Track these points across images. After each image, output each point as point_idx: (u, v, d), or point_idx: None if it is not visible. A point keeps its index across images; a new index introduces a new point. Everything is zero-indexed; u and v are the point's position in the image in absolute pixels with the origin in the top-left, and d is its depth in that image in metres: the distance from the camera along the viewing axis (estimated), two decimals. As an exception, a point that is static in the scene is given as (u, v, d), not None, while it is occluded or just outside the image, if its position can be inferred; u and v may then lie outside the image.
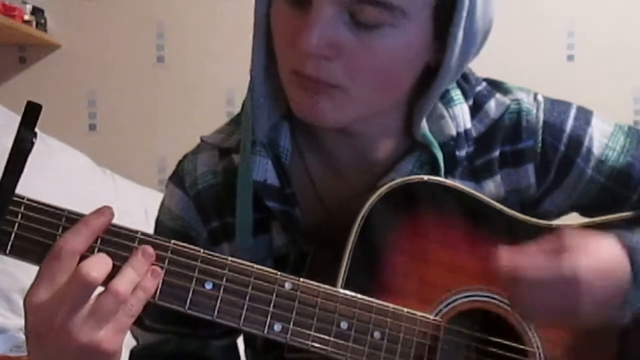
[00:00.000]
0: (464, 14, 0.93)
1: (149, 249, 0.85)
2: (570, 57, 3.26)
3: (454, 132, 1.03)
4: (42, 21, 3.15)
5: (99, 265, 0.82)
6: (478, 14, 0.95)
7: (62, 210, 0.83)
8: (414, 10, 0.91)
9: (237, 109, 1.13)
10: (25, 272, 2.21)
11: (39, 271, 0.82)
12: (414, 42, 0.94)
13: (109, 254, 0.84)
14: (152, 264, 0.85)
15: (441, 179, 1.00)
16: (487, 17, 0.97)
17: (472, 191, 1.01)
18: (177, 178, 1.11)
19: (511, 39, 3.19)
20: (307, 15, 0.90)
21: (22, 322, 2.06)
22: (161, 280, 0.86)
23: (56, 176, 2.33)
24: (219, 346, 1.15)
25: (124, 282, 0.82)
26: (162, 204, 1.14)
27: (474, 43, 0.97)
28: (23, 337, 1.97)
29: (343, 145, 1.05)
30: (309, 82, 0.93)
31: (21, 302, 2.15)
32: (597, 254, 0.90)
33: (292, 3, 0.93)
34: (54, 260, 0.81)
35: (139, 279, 0.84)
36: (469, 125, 1.04)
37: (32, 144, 0.76)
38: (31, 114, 0.76)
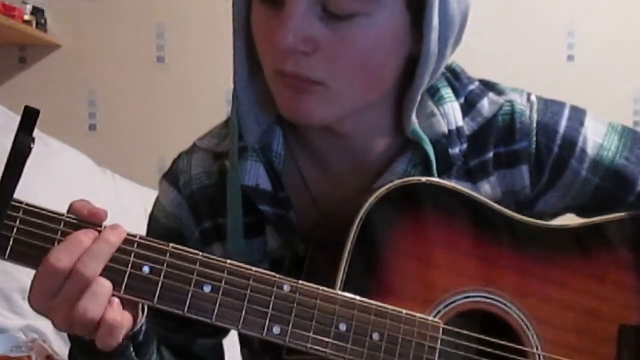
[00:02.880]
0: None
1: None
2: (570, 57, 3.26)
3: (445, 130, 1.03)
4: (42, 21, 3.15)
5: (92, 262, 0.83)
6: None
7: (61, 214, 0.83)
8: None
9: (236, 109, 1.13)
10: (25, 272, 2.20)
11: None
12: (390, 31, 0.94)
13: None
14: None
15: (439, 180, 1.00)
16: (462, 0, 0.97)
17: (470, 192, 1.01)
18: (172, 176, 1.12)
19: (511, 39, 3.19)
20: (281, 14, 0.91)
21: (22, 322, 2.06)
22: (160, 283, 0.86)
23: (56, 176, 2.33)
24: (205, 344, 1.16)
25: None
26: (157, 200, 1.15)
27: (451, 27, 0.97)
28: (23, 337, 1.98)
29: (335, 148, 1.06)
30: (291, 80, 0.94)
31: (21, 302, 2.15)
32: None
33: (267, 5, 0.94)
34: (46, 276, 0.83)
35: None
36: (460, 122, 1.04)
37: (30, 148, 0.77)
38: (29, 119, 0.76)
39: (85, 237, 0.84)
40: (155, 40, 3.26)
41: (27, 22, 3.02)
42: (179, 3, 3.24)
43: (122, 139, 3.24)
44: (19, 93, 3.14)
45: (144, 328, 0.93)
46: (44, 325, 1.99)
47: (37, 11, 3.10)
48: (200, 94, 3.20)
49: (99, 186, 2.67)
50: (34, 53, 3.25)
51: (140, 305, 0.91)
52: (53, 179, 2.27)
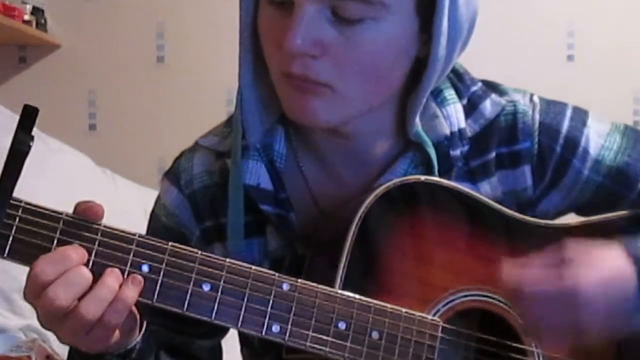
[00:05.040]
0: (447, 2, 0.94)
1: (116, 270, 0.85)
2: (570, 57, 3.26)
3: (447, 132, 1.03)
4: (42, 21, 3.14)
5: (64, 292, 0.82)
6: (460, 2, 0.95)
7: (60, 213, 0.83)
8: (396, 3, 0.92)
9: (237, 109, 1.13)
10: (25, 272, 2.20)
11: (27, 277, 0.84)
12: (399, 35, 0.94)
13: (106, 256, 0.85)
14: (135, 273, 0.86)
15: (438, 179, 1.00)
16: (471, 5, 0.98)
17: (470, 191, 1.02)
18: (173, 175, 1.12)
19: (511, 39, 3.19)
20: (290, 16, 0.91)
21: (22, 322, 2.06)
22: (159, 282, 0.86)
23: (56, 176, 2.33)
24: (204, 346, 1.16)
25: (92, 304, 0.83)
26: (158, 198, 1.15)
27: (460, 32, 0.97)
28: (23, 337, 1.98)
29: (337, 148, 1.06)
30: (298, 82, 0.94)
31: (21, 302, 2.15)
32: (601, 265, 0.90)
33: (275, 5, 0.94)
34: (28, 286, 0.84)
35: (111, 297, 0.84)
36: (463, 124, 1.05)
37: (29, 147, 0.77)
38: (28, 117, 0.76)
39: (74, 253, 0.84)
40: (155, 40, 3.26)
41: (27, 22, 3.02)
42: (179, 3, 3.24)
43: (122, 139, 3.24)
44: (19, 93, 3.13)
45: (138, 347, 0.93)
46: (44, 325, 1.98)
47: (37, 11, 3.10)
48: (200, 94, 3.20)
49: (99, 186, 2.67)
50: (34, 53, 3.25)
51: (137, 323, 0.92)
52: (53, 179, 2.27)
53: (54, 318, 0.84)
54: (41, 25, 3.13)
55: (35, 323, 1.97)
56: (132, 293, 0.85)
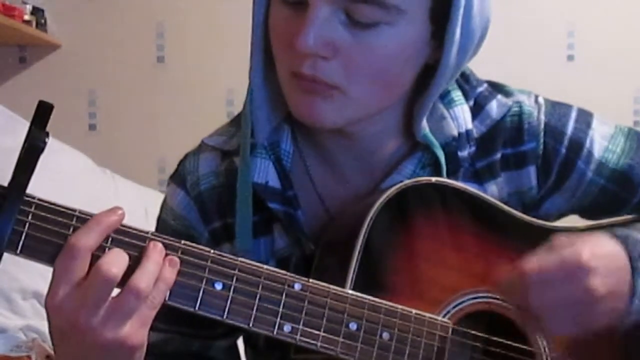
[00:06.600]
0: (461, 11, 0.94)
1: (159, 244, 0.85)
2: (570, 57, 3.26)
3: (455, 133, 1.03)
4: (42, 21, 3.15)
5: (118, 261, 0.81)
6: (475, 12, 0.95)
7: (73, 210, 0.82)
8: (411, 8, 0.92)
9: (237, 109, 1.13)
10: (25, 272, 2.20)
11: (54, 271, 0.81)
12: (411, 41, 0.94)
13: None
14: (168, 254, 0.85)
15: (449, 180, 1.00)
16: (484, 15, 0.98)
17: (479, 193, 1.02)
18: (179, 178, 1.12)
19: (511, 39, 3.19)
20: (303, 16, 0.91)
21: (22, 322, 2.05)
22: None
23: (56, 176, 2.32)
24: (221, 346, 1.15)
25: (145, 277, 0.82)
26: (164, 202, 1.14)
27: (471, 41, 0.97)
28: (23, 337, 1.98)
29: (344, 148, 1.06)
30: (307, 83, 0.94)
31: (21, 302, 2.14)
32: (595, 243, 0.89)
33: (288, 5, 0.94)
34: (68, 259, 0.80)
35: (158, 272, 0.83)
36: (470, 125, 1.05)
37: (45, 143, 0.76)
38: (42, 114, 0.76)
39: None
40: (155, 40, 3.26)
41: (27, 22, 3.02)
42: (179, 3, 3.24)
43: (122, 139, 3.24)
44: (19, 93, 3.13)
45: None
46: (44, 325, 1.98)
47: (37, 11, 3.10)
48: (200, 94, 3.20)
49: (99, 186, 2.66)
50: (34, 53, 3.25)
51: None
52: (53, 179, 2.26)
53: (100, 300, 0.80)
54: (41, 25, 3.13)
55: (35, 323, 1.98)
56: (171, 274, 0.84)
